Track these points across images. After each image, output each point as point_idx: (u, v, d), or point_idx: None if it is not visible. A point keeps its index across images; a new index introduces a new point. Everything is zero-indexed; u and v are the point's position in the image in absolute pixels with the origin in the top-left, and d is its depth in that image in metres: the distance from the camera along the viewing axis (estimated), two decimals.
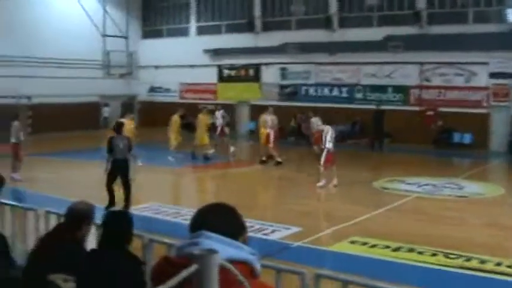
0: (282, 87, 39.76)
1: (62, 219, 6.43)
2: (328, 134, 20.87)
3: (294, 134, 35.81)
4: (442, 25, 32.78)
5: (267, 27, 40.58)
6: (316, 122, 27.03)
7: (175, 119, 27.13)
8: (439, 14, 33.38)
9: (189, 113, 30.34)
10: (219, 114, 29.99)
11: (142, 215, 14.90)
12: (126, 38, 41.67)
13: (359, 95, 36.43)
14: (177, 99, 43.58)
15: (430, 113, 33.47)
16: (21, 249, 8.55)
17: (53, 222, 8.03)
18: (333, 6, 37.41)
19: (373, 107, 33.56)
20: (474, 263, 11.41)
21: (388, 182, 21.75)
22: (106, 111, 44.59)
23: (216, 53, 42.29)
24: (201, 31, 44.45)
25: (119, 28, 41.39)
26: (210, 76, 43.08)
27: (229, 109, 39.79)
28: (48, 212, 8.60)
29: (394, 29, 34.31)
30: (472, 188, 20.52)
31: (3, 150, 22.82)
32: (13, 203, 9.26)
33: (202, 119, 27.69)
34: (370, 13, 36.25)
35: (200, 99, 42.40)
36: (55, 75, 38.74)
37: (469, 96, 32.53)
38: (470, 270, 11.10)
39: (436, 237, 13.24)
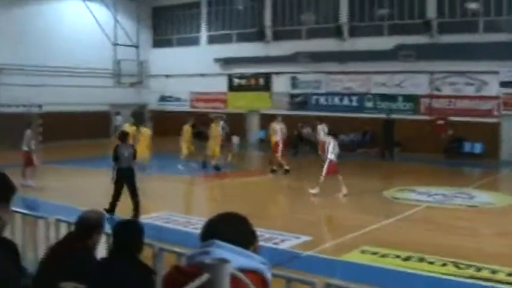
0: (293, 96, 39.77)
1: (73, 228, 6.45)
2: (331, 146, 20.95)
3: (296, 143, 35.52)
4: (452, 34, 32.76)
5: (277, 36, 40.63)
6: (322, 128, 27.11)
7: (187, 128, 27.17)
8: (450, 23, 33.34)
9: (199, 122, 30.37)
10: (222, 124, 30.01)
11: (153, 224, 14.90)
12: (136, 47, 41.84)
13: (369, 104, 36.40)
14: (187, 108, 43.68)
15: (441, 122, 33.39)
16: (32, 257, 8.57)
17: (64, 230, 8.05)
18: (344, 16, 37.44)
19: (383, 116, 33.52)
20: (485, 273, 11.37)
21: (398, 191, 21.70)
22: (118, 120, 44.62)
23: (227, 62, 42.37)
24: (211, 40, 44.55)
25: (130, 37, 41.57)
26: (220, 85, 43.15)
27: (239, 118, 39.96)
28: (58, 220, 8.62)
29: (404, 38, 34.29)
30: (482, 197, 20.46)
31: (15, 158, 22.91)
32: (24, 211, 9.29)
33: (215, 129, 27.68)
34: (380, 22, 36.25)
35: (211, 108, 42.51)
36: (66, 84, 38.97)
37: (479, 106, 32.45)
38: (481, 280, 11.04)
39: (447, 247, 13.19)
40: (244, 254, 2.49)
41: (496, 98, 31.96)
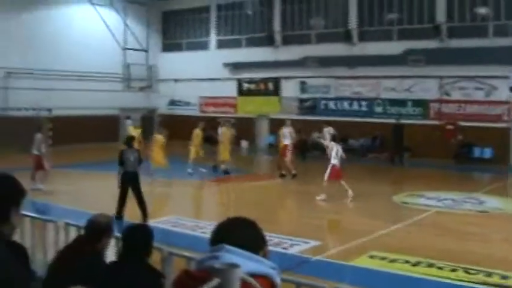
0: (302, 101, 39.75)
1: (82, 231, 6.47)
2: (333, 151, 21.08)
3: (302, 148, 35.41)
4: (462, 39, 32.68)
5: (286, 41, 40.65)
6: (328, 131, 27.11)
7: (197, 132, 27.20)
8: (459, 28, 33.27)
9: (208, 127, 30.36)
10: (220, 130, 30.00)
11: (161, 228, 14.90)
12: (146, 51, 41.88)
13: (379, 109, 36.35)
14: (196, 113, 43.71)
15: (450, 127, 33.30)
16: (41, 260, 8.59)
17: (73, 234, 8.07)
18: (353, 20, 37.41)
19: (392, 121, 33.45)
20: (495, 279, 11.33)
21: (407, 196, 21.66)
22: (128, 124, 44.70)
23: (236, 66, 42.40)
24: (220, 45, 44.58)
25: (139, 42, 41.63)
26: (229, 90, 43.18)
27: (249, 123, 39.98)
28: (67, 224, 8.65)
29: (413, 43, 34.24)
30: (492, 203, 20.39)
31: (24, 161, 22.98)
32: (33, 214, 9.32)
33: (226, 133, 27.70)
34: (390, 27, 36.21)
35: (220, 112, 42.59)
36: (75, 88, 39.10)
37: (489, 111, 32.34)
38: (491, 286, 11.00)
39: (456, 252, 13.16)
40: (253, 259, 2.49)
41: (505, 103, 31.84)
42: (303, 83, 39.65)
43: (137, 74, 40.84)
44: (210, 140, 29.35)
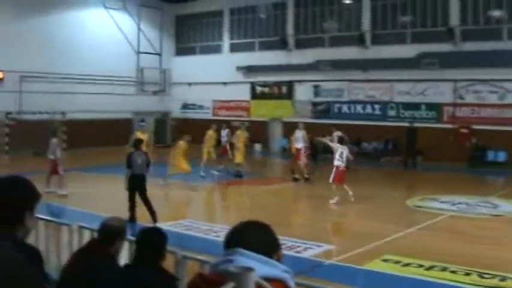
0: (315, 104, 39.72)
1: (95, 235, 6.49)
2: (337, 153, 21.06)
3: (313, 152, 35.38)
4: (475, 42, 32.56)
5: (299, 44, 40.65)
6: (337, 135, 27.11)
7: (210, 134, 27.22)
8: (473, 31, 33.15)
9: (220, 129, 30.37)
10: (224, 133, 29.97)
11: (174, 231, 14.91)
12: (159, 55, 42.04)
13: (392, 113, 36.27)
14: (210, 116, 43.76)
15: (464, 130, 33.19)
16: (55, 263, 8.63)
17: (87, 237, 8.10)
18: (366, 23, 37.38)
19: (406, 124, 33.37)
20: (509, 283, 11.27)
21: (421, 200, 21.59)
22: (141, 127, 44.76)
23: (249, 70, 42.42)
24: (234, 48, 44.62)
25: (153, 45, 41.77)
26: (243, 93, 43.20)
27: (262, 126, 40.01)
28: (81, 227, 8.68)
29: (427, 46, 34.15)
30: (506, 206, 20.29)
31: (38, 165, 23.09)
32: (47, 217, 9.36)
33: (241, 136, 27.70)
34: (403, 30, 36.13)
35: (233, 116, 42.66)
36: (89, 91, 39.26)
37: (503, 114, 32.21)
38: None
39: (470, 256, 13.11)
40: (267, 263, 2.48)
41: None
42: (316, 87, 39.63)
43: (150, 78, 41.03)
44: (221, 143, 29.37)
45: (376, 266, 12.52)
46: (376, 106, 36.91)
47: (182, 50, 47.99)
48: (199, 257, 7.06)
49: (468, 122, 33.19)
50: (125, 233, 6.15)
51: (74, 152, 33.10)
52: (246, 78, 42.97)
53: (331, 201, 20.33)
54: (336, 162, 20.91)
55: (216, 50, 45.59)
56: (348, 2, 38.34)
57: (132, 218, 16.24)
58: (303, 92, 40.31)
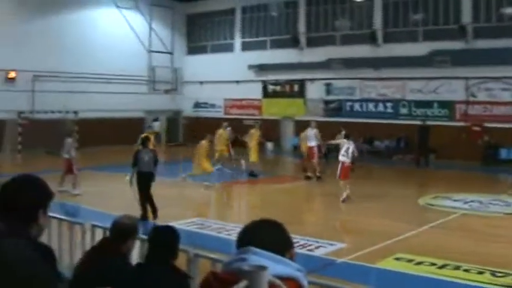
0: (327, 102, 39.68)
1: (108, 233, 6.51)
2: (343, 148, 21.08)
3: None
4: (488, 39, 32.42)
5: (311, 42, 40.61)
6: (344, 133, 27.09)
7: (220, 133, 27.22)
8: (485, 28, 33.02)
9: (234, 129, 30.28)
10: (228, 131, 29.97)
11: (187, 230, 14.94)
12: (171, 53, 42.11)
13: (404, 111, 36.19)
14: (221, 115, 43.76)
15: (476, 128, 33.07)
16: (68, 262, 8.66)
17: (99, 236, 8.13)
18: (378, 21, 37.31)
19: (418, 122, 33.31)
20: None
21: (433, 198, 21.54)
22: (156, 126, 44.99)
23: (261, 68, 42.40)
24: (245, 47, 44.60)
25: (164, 44, 41.84)
26: (254, 92, 43.20)
27: (274, 125, 40.00)
28: (94, 226, 8.71)
29: (439, 44, 34.05)
30: None
31: (50, 164, 23.16)
32: (60, 216, 9.39)
33: (254, 134, 27.66)
34: (415, 28, 36.03)
35: (245, 114, 42.71)
36: (101, 90, 39.38)
37: None
38: None
39: (483, 255, 13.06)
40: (281, 261, 2.48)
41: None
42: (328, 85, 39.58)
43: (162, 77, 41.11)
44: (236, 142, 29.29)
45: (389, 264, 12.51)
46: (388, 104, 36.83)
47: (194, 48, 48.01)
48: (212, 255, 7.07)
49: (480, 120, 33.08)
50: (136, 231, 6.17)
51: (86, 151, 33.16)
52: (258, 77, 42.96)
53: (341, 198, 20.35)
54: (341, 158, 20.93)
55: (228, 48, 45.58)
56: (359, 0, 38.25)
57: (144, 217, 16.31)
58: (315, 90, 40.28)
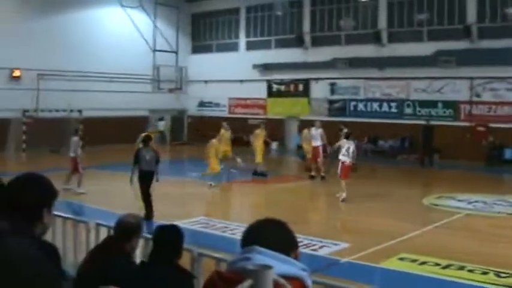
0: (331, 102, 39.66)
1: (112, 232, 6.51)
2: (344, 148, 21.15)
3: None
4: (492, 39, 32.37)
5: (316, 42, 40.60)
6: (345, 131, 27.12)
7: (223, 132, 27.19)
8: (490, 28, 32.97)
9: (239, 128, 30.26)
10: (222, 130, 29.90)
11: (191, 229, 14.94)
12: (175, 52, 42.08)
13: (408, 110, 36.15)
14: (226, 114, 43.78)
15: (481, 128, 33.03)
16: (72, 260, 8.67)
17: (103, 234, 8.14)
18: (382, 21, 37.28)
19: (422, 122, 33.28)
20: None
21: (437, 198, 21.52)
22: (161, 125, 45.09)
23: (266, 68, 42.40)
24: (250, 46, 44.60)
25: (169, 43, 41.83)
26: (259, 91, 43.19)
27: (278, 124, 39.99)
28: (98, 225, 8.72)
29: (444, 44, 34.00)
30: None
31: (55, 162, 23.17)
32: (64, 215, 9.41)
33: (259, 135, 27.59)
34: (419, 28, 36.00)
35: (249, 114, 42.77)
36: (105, 89, 39.43)
37: None
38: None
39: (487, 255, 13.05)
40: (285, 261, 2.48)
41: None
42: (332, 84, 39.56)
43: (167, 76, 41.08)
44: (237, 142, 29.26)
45: (393, 264, 12.51)
46: (393, 104, 36.80)
47: (198, 47, 48.05)
48: (216, 254, 7.08)
49: (485, 120, 33.04)
50: (141, 230, 6.17)
51: (90, 150, 33.19)
52: (262, 76, 42.96)
53: (339, 197, 20.42)
54: (342, 158, 21.03)
55: (233, 47, 45.58)
56: (364, 0, 38.28)
57: (149, 215, 16.34)
58: (319, 90, 40.27)
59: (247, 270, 2.28)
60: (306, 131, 28.33)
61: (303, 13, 41.38)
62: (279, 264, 2.40)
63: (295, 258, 2.59)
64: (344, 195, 20.38)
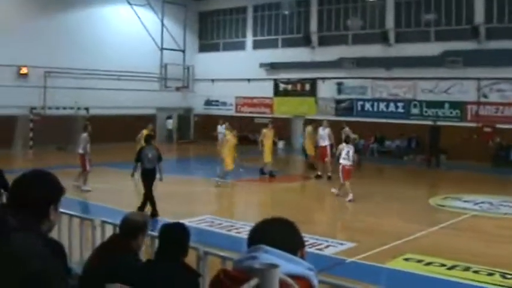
0: (338, 102, 39.63)
1: (118, 230, 6.52)
2: (343, 152, 21.28)
3: None
4: (500, 40, 32.29)
5: (323, 41, 40.58)
6: (344, 132, 27.13)
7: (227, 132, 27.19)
8: (498, 29, 32.88)
9: (245, 127, 30.27)
10: (222, 128, 29.83)
11: (197, 227, 14.95)
12: (183, 51, 42.08)
13: (415, 111, 36.10)
14: (232, 113, 43.83)
15: (488, 129, 32.97)
16: (78, 258, 8.68)
17: (109, 232, 8.15)
18: (390, 21, 37.23)
19: (429, 123, 33.23)
20: None
21: (444, 199, 21.49)
22: (169, 124, 45.16)
23: (273, 67, 42.40)
24: (257, 45, 44.61)
25: (176, 42, 41.83)
26: (266, 90, 43.20)
27: (285, 123, 39.96)
28: (104, 222, 8.73)
29: (451, 44, 33.93)
30: None
31: (62, 159, 23.20)
32: (71, 212, 9.41)
33: (268, 134, 27.50)
34: (427, 28, 35.94)
35: (256, 113, 42.81)
36: (113, 87, 39.50)
37: None
38: None
39: (493, 256, 13.02)
40: (291, 260, 2.48)
41: None
42: (339, 84, 39.54)
43: (174, 74, 41.07)
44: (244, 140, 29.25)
45: (398, 264, 12.49)
46: (400, 104, 36.76)
47: (205, 46, 48.09)
48: (221, 253, 7.07)
49: (492, 121, 32.97)
50: (147, 228, 6.18)
51: (97, 147, 33.18)
52: (269, 75, 42.97)
53: (346, 199, 20.43)
54: (342, 161, 21.23)
55: (240, 46, 45.59)
56: None
57: (154, 213, 16.39)
58: (326, 90, 40.24)
59: (254, 269, 2.28)
60: (309, 128, 28.36)
61: (310, 12, 41.37)
62: (285, 264, 2.40)
63: (302, 257, 2.59)
64: (351, 196, 20.37)
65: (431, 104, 35.35)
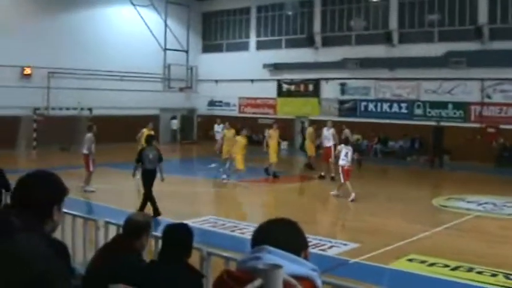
0: (342, 102, 39.61)
1: (121, 230, 6.52)
2: (342, 153, 21.42)
3: None
4: (504, 40, 32.23)
5: (326, 42, 40.56)
6: (344, 133, 27.17)
7: (225, 132, 27.20)
8: (501, 29, 32.84)
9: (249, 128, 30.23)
10: (219, 128, 29.79)
11: (200, 228, 14.94)
12: (186, 52, 42.10)
13: (419, 111, 36.07)
14: (236, 114, 43.85)
15: (491, 130, 32.94)
16: (81, 259, 8.69)
17: (113, 232, 8.15)
18: (393, 22, 37.21)
19: (433, 123, 33.21)
20: None
21: (447, 199, 21.47)
22: (174, 124, 45.19)
23: (276, 67, 42.41)
24: (260, 46, 44.61)
25: (180, 42, 41.85)
26: (269, 91, 43.22)
27: (288, 124, 39.95)
28: (107, 223, 8.73)
29: (455, 45, 33.89)
30: None
31: (65, 160, 23.21)
32: (74, 212, 9.42)
33: (273, 134, 27.49)
34: (430, 28, 35.91)
35: (259, 113, 42.82)
36: (116, 88, 39.54)
37: None
38: None
39: (496, 257, 13.01)
40: (295, 261, 2.47)
41: None
42: (342, 85, 39.52)
43: (177, 75, 41.08)
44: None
45: (402, 265, 12.48)
46: (403, 105, 36.73)
47: (209, 47, 48.11)
48: (225, 254, 7.07)
49: (495, 122, 32.94)
50: (150, 228, 6.18)
51: (100, 148, 33.19)
52: (273, 76, 42.98)
53: (349, 199, 20.45)
54: (341, 162, 21.31)
55: (243, 47, 45.61)
56: (375, 0, 38.15)
57: (156, 213, 16.41)
58: (330, 90, 40.23)
59: (258, 270, 2.27)
60: (310, 129, 28.39)
61: (314, 13, 41.37)
62: (289, 264, 2.39)
63: (305, 258, 2.59)
64: (353, 195, 20.38)
65: (434, 105, 35.32)
